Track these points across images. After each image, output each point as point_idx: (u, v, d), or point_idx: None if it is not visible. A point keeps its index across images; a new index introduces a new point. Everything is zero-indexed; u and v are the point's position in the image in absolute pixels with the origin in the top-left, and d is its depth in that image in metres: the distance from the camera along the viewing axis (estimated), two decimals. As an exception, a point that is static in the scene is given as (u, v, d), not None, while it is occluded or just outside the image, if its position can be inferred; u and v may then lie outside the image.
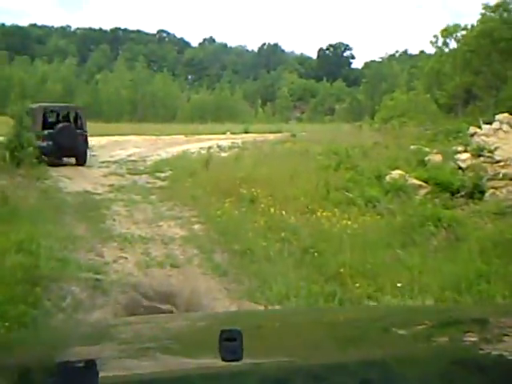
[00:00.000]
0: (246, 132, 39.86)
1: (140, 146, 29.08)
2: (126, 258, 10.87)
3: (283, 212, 13.89)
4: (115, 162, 23.70)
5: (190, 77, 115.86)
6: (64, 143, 21.63)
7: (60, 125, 22.58)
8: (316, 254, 10.79)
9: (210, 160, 21.49)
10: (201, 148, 27.57)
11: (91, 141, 29.79)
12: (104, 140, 30.54)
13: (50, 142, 21.67)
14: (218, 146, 28.82)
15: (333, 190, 16.21)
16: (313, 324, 2.35)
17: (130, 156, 25.67)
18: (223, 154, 25.88)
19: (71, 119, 24.00)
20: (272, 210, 14.27)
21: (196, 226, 13.52)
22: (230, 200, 15.26)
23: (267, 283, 9.38)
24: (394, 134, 29.08)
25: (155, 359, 1.84)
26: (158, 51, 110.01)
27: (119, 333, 2.28)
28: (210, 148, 26.89)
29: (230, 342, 1.68)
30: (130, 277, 9.77)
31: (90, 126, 43.57)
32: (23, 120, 19.96)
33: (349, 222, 12.78)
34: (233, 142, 30.77)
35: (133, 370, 1.74)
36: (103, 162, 23.62)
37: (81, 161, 22.85)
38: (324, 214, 13.61)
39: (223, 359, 1.64)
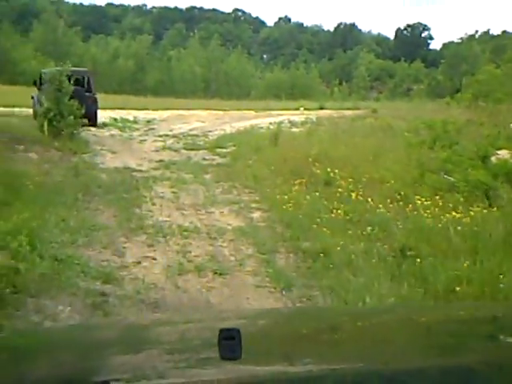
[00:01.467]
0: (322, 108, 36.30)
1: (205, 120, 26.03)
2: (154, 258, 7.74)
3: (368, 199, 10.55)
4: (173, 137, 20.70)
5: (265, 56, 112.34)
6: None
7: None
8: (417, 259, 7.47)
9: (278, 135, 18.27)
10: (270, 123, 24.32)
11: (154, 114, 27.26)
12: (167, 113, 27.65)
13: None
14: (290, 121, 25.50)
15: (428, 171, 12.71)
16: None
17: (191, 130, 22.63)
18: (295, 130, 22.55)
19: (81, 83, 22.71)
20: (353, 195, 10.97)
21: (255, 215, 10.33)
22: (300, 182, 12.04)
23: (349, 302, 6.29)
24: (488, 111, 25.19)
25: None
26: (234, 30, 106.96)
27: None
28: (280, 123, 23.61)
29: (229, 341, 1.60)
30: (151, 290, 6.64)
31: (156, 100, 41.26)
32: (63, 85, 17.09)
33: (457, 215, 9.34)
34: (306, 118, 27.35)
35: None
36: (160, 136, 20.66)
37: (92, 121, 22.03)
38: (422, 202, 10.20)
39: (222, 358, 1.59)
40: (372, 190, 11.19)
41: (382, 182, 12.04)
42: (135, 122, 24.22)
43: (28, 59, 55.27)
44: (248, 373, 1.62)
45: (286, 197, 10.83)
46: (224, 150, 17.44)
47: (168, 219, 9.70)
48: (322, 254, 7.92)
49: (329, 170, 12.50)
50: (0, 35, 54.07)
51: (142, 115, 26.45)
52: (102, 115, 25.26)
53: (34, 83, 22.28)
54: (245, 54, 79.38)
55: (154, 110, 29.47)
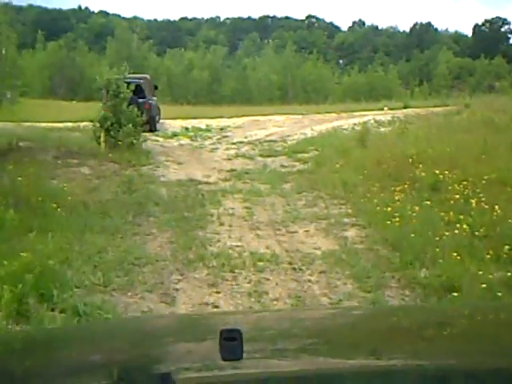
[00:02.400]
0: (406, 107, 33.40)
1: (282, 125, 23.70)
2: (217, 306, 5.43)
3: (496, 206, 7.99)
4: (249, 143, 18.46)
5: (340, 61, 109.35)
6: None
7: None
8: None
9: (367, 135, 15.78)
10: (354, 124, 21.79)
11: (228, 122, 25.17)
12: (242, 120, 25.45)
13: None
14: (376, 121, 22.87)
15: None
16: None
17: (268, 136, 20.34)
18: (383, 129, 19.94)
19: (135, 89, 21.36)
20: (473, 202, 8.41)
21: (350, 233, 7.93)
22: (401, 188, 9.56)
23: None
24: None
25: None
26: (308, 37, 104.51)
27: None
28: (365, 123, 21.06)
29: (231, 342, 1.56)
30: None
31: (231, 108, 39.34)
32: (120, 90, 15.13)
33: None
34: (393, 116, 24.62)
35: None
36: (234, 143, 18.46)
37: (151, 127, 20.77)
38: None
39: (223, 359, 1.55)
40: (494, 195, 8.61)
41: (503, 184, 9.45)
42: (208, 130, 22.12)
43: (102, 75, 54.35)
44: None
45: (387, 208, 8.39)
46: (305, 155, 15.09)
47: (238, 244, 7.42)
48: (450, 290, 5.48)
49: (436, 171, 9.97)
50: (76, 54, 53.41)
51: (216, 123, 24.36)
52: (173, 125, 23.51)
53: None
54: (321, 60, 76.80)
55: (228, 117, 27.38)
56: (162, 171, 12.82)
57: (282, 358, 1.72)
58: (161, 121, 23.86)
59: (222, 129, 22.30)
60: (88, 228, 7.38)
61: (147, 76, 24.89)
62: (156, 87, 25.36)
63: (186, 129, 22.31)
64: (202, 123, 24.23)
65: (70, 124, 22.46)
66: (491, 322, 2.11)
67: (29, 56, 55.33)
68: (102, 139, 14.12)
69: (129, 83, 22.59)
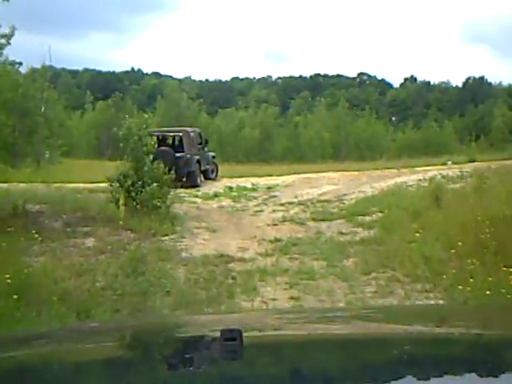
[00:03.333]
0: (472, 160, 30.22)
1: (337, 182, 20.88)
2: None
3: None
4: (299, 204, 15.64)
5: (393, 118, 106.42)
6: None
7: (157, 149, 17.73)
8: None
9: (440, 192, 12.84)
10: (420, 180, 18.85)
11: (277, 180, 22.55)
12: (292, 178, 22.74)
13: None
14: (443, 176, 19.82)
15: None
16: None
17: (321, 195, 17.50)
18: (454, 186, 16.89)
19: (173, 143, 21.47)
20: None
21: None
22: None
23: None
24: None
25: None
26: (360, 94, 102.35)
27: None
28: (432, 178, 18.06)
29: (231, 342, 1.56)
30: None
31: (281, 167, 36.81)
32: (143, 143, 12.63)
33: None
34: (461, 171, 21.57)
35: None
36: (282, 205, 15.68)
37: (189, 182, 19.93)
38: None
39: (224, 358, 1.58)
40: None
41: None
42: (253, 189, 19.43)
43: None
44: None
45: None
46: (368, 218, 12.18)
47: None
48: None
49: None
50: (124, 114, 51.93)
51: (264, 182, 21.70)
52: (217, 185, 20.91)
53: None
54: (373, 116, 74.18)
55: (278, 175, 24.72)
56: (188, 243, 9.99)
57: (282, 358, 1.68)
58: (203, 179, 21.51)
59: (269, 188, 19.56)
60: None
61: (189, 129, 22.56)
62: (206, 141, 23.04)
63: (230, 188, 19.68)
64: (248, 182, 21.61)
65: (103, 184, 20.13)
66: None
67: (78, 116, 54.24)
68: (121, 202, 11.50)
69: (164, 136, 20.61)
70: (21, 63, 35.22)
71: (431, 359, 1.66)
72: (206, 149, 22.60)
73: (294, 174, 24.88)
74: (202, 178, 21.17)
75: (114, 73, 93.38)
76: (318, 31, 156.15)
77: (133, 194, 11.62)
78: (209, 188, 20.18)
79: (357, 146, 64.57)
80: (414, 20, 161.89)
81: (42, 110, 29.57)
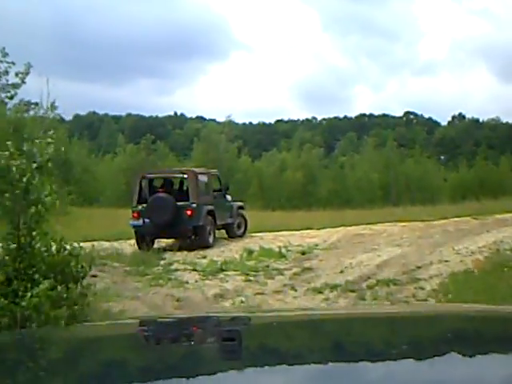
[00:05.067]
0: None
1: (400, 241, 14.28)
2: None
3: None
4: (347, 289, 9.10)
5: (442, 157, 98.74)
6: (155, 219, 14.35)
7: (153, 196, 14.83)
8: None
9: None
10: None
11: (316, 237, 16.13)
12: (337, 234, 16.18)
13: (147, 220, 14.51)
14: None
15: None
16: None
17: (382, 267, 10.89)
18: None
19: (178, 188, 15.99)
20: None
21: None
22: None
23: None
24: None
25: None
26: (407, 134, 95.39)
27: None
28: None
29: (230, 342, 1.56)
30: None
31: (325, 214, 30.29)
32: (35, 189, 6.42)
33: None
34: None
35: None
36: (318, 289, 9.15)
37: (197, 242, 14.66)
38: None
39: (223, 359, 1.56)
40: None
41: None
42: (282, 254, 12.95)
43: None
44: None
45: None
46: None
47: None
48: None
49: None
50: (157, 158, 46.24)
51: (299, 240, 15.28)
52: (234, 246, 14.68)
53: None
54: (424, 155, 66.97)
55: (319, 228, 18.27)
56: None
57: (281, 359, 1.62)
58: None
59: (303, 253, 13.07)
60: None
61: (198, 170, 16.30)
62: (227, 187, 16.69)
63: (250, 252, 13.30)
64: (278, 240, 15.27)
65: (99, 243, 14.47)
66: None
67: (109, 161, 48.84)
68: None
69: (164, 179, 14.64)
70: (37, 103, 30.13)
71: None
72: (228, 197, 16.39)
73: (341, 226, 18.36)
74: (213, 236, 14.89)
75: (156, 117, 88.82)
76: (359, 71, 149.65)
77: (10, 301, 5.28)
78: (221, 251, 13.98)
79: (407, 187, 57.62)
80: (457, 56, 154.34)
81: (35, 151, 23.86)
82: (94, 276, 11.33)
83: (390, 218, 21.33)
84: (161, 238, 14.97)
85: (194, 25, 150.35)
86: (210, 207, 14.71)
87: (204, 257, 13.30)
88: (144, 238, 14.32)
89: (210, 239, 14.57)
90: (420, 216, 21.40)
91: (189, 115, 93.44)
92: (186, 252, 13.84)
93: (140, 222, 14.27)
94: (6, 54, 27.14)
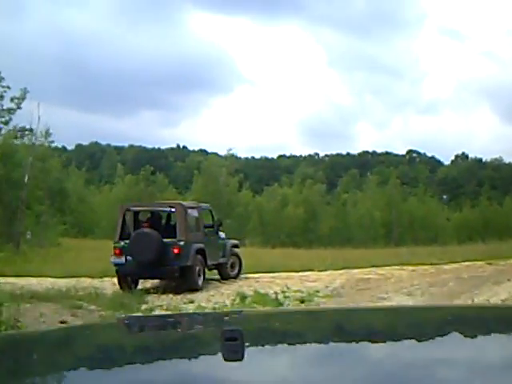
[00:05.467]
0: None
1: (411, 289, 12.48)
2: None
3: None
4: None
5: (444, 196, 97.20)
6: (138, 257, 12.67)
7: (136, 231, 13.16)
8: None
9: None
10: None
11: (318, 280, 14.56)
12: (341, 278, 14.56)
13: (130, 257, 12.86)
14: None
15: None
16: None
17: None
18: None
19: (162, 222, 14.21)
20: None
21: None
22: None
23: None
24: None
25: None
26: (409, 172, 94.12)
27: None
28: None
29: (232, 342, 1.45)
30: None
31: (327, 252, 28.76)
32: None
33: None
34: None
35: None
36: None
37: (189, 284, 12.98)
38: None
39: (225, 359, 1.44)
40: None
41: None
42: (278, 302, 11.33)
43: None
44: None
45: None
46: None
47: None
48: None
49: None
50: (156, 189, 44.77)
51: (298, 283, 13.74)
52: (226, 290, 13.19)
53: None
54: (426, 195, 65.49)
55: (320, 269, 16.74)
56: None
57: (284, 359, 1.61)
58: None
59: (303, 301, 11.48)
60: None
61: (187, 203, 14.83)
62: (220, 223, 15.10)
63: (243, 298, 11.74)
64: (276, 283, 13.75)
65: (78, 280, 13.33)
66: None
67: (107, 191, 47.39)
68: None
69: (150, 213, 13.15)
70: (31, 129, 28.83)
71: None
72: (221, 234, 14.86)
73: (344, 268, 16.82)
74: (202, 278, 13.30)
75: (159, 149, 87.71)
76: (363, 108, 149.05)
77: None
78: (211, 295, 12.47)
79: (410, 226, 56.11)
80: (461, 96, 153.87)
81: (26, 179, 22.44)
82: (63, 322, 9.84)
83: (394, 258, 19.78)
84: (144, 279, 13.40)
85: (197, 58, 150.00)
86: (200, 245, 13.14)
87: (191, 301, 11.76)
88: (126, 278, 12.77)
89: (199, 281, 12.98)
90: (426, 258, 19.82)
91: (191, 148, 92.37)
92: (171, 295, 12.30)
93: (122, 259, 12.72)
94: (1, 79, 26.16)
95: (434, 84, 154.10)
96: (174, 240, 12.66)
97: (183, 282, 12.93)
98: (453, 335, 1.66)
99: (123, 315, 10.18)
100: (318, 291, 12.58)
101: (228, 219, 49.29)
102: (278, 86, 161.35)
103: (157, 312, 10.74)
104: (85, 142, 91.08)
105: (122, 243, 12.87)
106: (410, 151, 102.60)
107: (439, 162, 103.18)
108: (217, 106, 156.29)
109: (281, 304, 11.21)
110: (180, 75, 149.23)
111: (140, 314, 8.70)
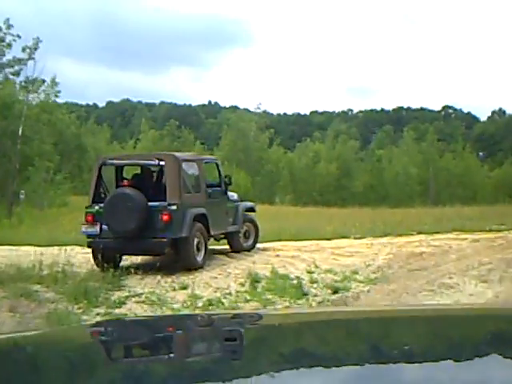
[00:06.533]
0: None
1: (483, 271, 8.92)
2: None
3: None
4: None
5: (481, 153, 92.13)
6: (115, 226, 9.28)
7: (114, 192, 9.65)
8: None
9: None
10: None
11: (354, 253, 11.12)
12: (384, 253, 11.07)
13: (105, 226, 9.42)
14: None
15: None
16: None
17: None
18: None
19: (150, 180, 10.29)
20: None
21: None
22: None
23: None
24: None
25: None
26: (445, 128, 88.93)
27: None
28: None
29: (232, 342, 1.51)
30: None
31: (361, 212, 25.30)
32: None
33: None
34: None
35: None
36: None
37: (184, 262, 9.51)
38: None
39: (224, 359, 1.48)
40: None
41: None
42: (301, 292, 7.94)
43: (213, 170, 42.35)
44: None
45: None
46: None
47: None
48: None
49: None
50: (182, 145, 41.38)
51: (330, 259, 10.30)
52: (242, 264, 9.86)
53: None
54: (463, 151, 60.90)
55: (357, 236, 13.28)
56: None
57: (283, 359, 1.55)
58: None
59: (336, 290, 8.00)
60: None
61: (181, 155, 10.96)
62: (230, 181, 11.31)
63: (254, 283, 8.36)
64: (301, 258, 10.33)
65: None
66: None
67: (129, 148, 44.21)
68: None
69: (136, 167, 9.89)
70: (44, 80, 25.77)
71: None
72: (232, 195, 11.38)
73: (386, 235, 13.31)
74: (203, 253, 9.80)
75: (190, 106, 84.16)
76: (400, 63, 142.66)
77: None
78: (213, 276, 9.12)
79: (448, 184, 52.01)
80: (500, 51, 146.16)
81: (20, 132, 19.27)
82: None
83: (441, 222, 16.20)
84: (124, 254, 10.01)
85: (229, 14, 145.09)
86: (201, 210, 9.67)
87: (183, 287, 8.41)
88: (103, 254, 9.43)
89: (199, 257, 9.56)
90: (480, 222, 16.15)
91: (223, 104, 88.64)
92: (159, 276, 8.95)
93: (95, 229, 9.34)
94: (10, 26, 23.67)
95: (469, 38, 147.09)
96: (163, 203, 9.27)
97: (180, 260, 9.56)
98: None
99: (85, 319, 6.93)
100: (356, 272, 9.09)
101: (258, 176, 46.00)
102: (308, 41, 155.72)
103: (128, 306, 7.44)
104: (116, 99, 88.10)
105: (97, 208, 9.46)
106: (445, 107, 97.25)
107: (475, 118, 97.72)
108: (250, 61, 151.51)
109: (305, 294, 7.78)
110: (213, 31, 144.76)
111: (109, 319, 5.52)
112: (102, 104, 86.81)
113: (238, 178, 47.57)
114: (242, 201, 11.53)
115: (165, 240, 9.15)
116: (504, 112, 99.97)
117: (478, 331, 1.74)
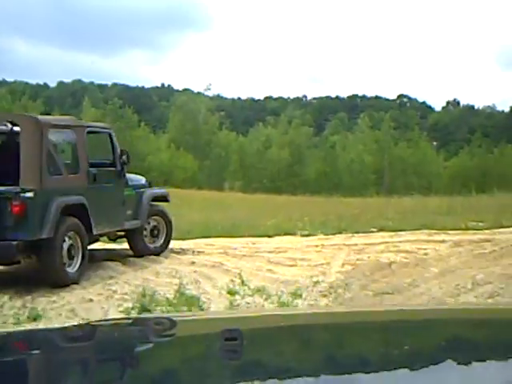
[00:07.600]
0: None
1: (483, 293, 6.32)
2: None
3: None
4: None
5: (434, 143, 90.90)
6: None
7: None
8: None
9: None
10: None
11: (299, 264, 8.14)
12: (340, 258, 8.11)
13: None
14: None
15: None
16: None
17: None
18: None
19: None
20: None
21: None
22: None
23: None
24: None
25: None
26: (400, 117, 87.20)
27: None
28: None
29: (232, 342, 1.41)
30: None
31: (313, 200, 22.61)
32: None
33: None
34: None
35: None
36: None
37: (47, 275, 6.47)
38: None
39: (224, 359, 1.42)
40: None
41: None
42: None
43: (158, 152, 39.02)
44: None
45: None
46: None
47: None
48: None
49: None
50: (124, 124, 37.87)
51: (264, 269, 7.29)
52: (136, 275, 6.59)
53: None
54: (419, 140, 58.88)
55: (304, 234, 10.32)
56: None
57: (283, 359, 1.52)
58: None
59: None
60: None
61: (44, 118, 7.39)
62: (128, 158, 7.75)
63: (143, 313, 5.25)
64: (223, 269, 7.27)
65: None
66: None
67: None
68: None
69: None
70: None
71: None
72: (136, 177, 8.17)
73: (340, 232, 10.42)
74: (79, 262, 6.61)
75: (143, 88, 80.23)
76: (355, 51, 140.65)
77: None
78: (86, 299, 5.85)
79: (403, 173, 49.80)
80: (455, 43, 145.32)
81: None
82: None
83: (402, 215, 13.46)
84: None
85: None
86: (76, 198, 6.63)
87: (34, 318, 5.31)
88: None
89: (71, 269, 6.39)
90: (445, 215, 13.44)
91: (176, 87, 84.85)
92: (6, 297, 5.80)
93: None
94: None
95: (425, 29, 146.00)
96: (13, 189, 6.06)
97: (43, 270, 6.37)
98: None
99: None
100: (297, 295, 6.05)
101: (207, 160, 42.91)
102: (263, 27, 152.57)
103: None
104: (67, 80, 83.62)
105: None
106: (400, 96, 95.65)
107: (430, 108, 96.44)
108: (207, 45, 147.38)
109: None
110: (171, 14, 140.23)
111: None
112: (53, 84, 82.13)
113: (184, 162, 44.66)
114: (149, 186, 8.32)
115: (15, 243, 5.95)
116: (458, 102, 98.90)
117: (478, 331, 1.68)
